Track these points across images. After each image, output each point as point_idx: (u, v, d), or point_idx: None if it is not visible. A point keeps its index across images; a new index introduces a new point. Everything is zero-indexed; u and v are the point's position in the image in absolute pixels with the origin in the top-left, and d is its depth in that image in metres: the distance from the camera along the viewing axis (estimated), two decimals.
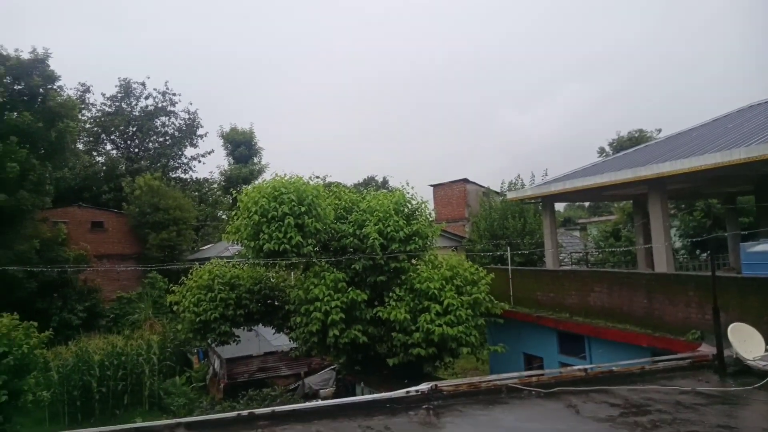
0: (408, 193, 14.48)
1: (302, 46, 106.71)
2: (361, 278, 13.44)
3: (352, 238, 13.48)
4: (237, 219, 13.62)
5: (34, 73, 26.83)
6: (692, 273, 11.80)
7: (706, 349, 7.86)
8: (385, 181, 57.50)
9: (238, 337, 14.97)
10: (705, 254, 20.44)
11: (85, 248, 28.26)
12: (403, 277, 13.27)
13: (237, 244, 14.92)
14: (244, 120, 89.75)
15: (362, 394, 11.58)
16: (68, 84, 46.46)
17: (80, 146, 38.25)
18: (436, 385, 4.58)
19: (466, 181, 32.36)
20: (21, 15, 71.85)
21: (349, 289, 12.77)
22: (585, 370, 5.44)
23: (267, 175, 41.59)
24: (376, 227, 13.07)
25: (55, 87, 27.95)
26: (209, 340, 14.81)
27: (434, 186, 33.90)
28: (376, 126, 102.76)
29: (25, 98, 26.72)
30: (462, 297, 12.40)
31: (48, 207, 28.01)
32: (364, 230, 13.22)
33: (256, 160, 48.22)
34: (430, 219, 14.97)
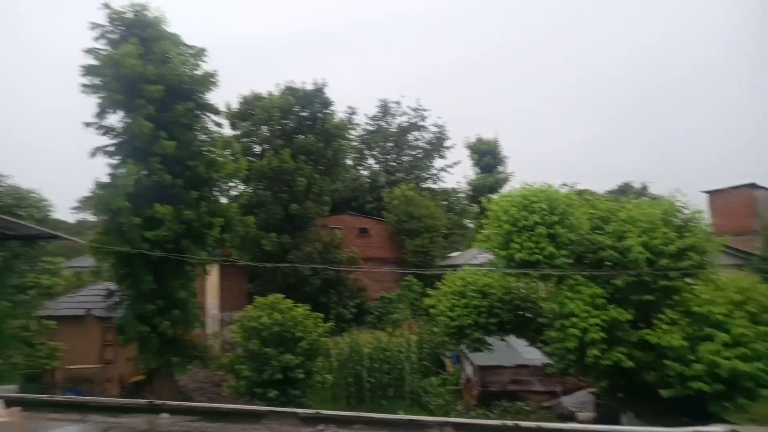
0: (678, 201, 12.77)
1: (537, 49, 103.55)
2: (623, 295, 12.24)
3: (610, 251, 12.39)
4: (487, 227, 13.79)
5: (315, 101, 32.04)
6: None
7: None
8: (644, 188, 51.76)
9: (491, 345, 15.13)
10: None
11: (354, 251, 32.29)
12: (676, 298, 11.66)
13: (487, 252, 15.14)
14: (488, 129, 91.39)
15: (630, 425, 10.54)
16: (340, 108, 54.13)
17: (349, 162, 44.09)
18: (734, 431, 3.86)
19: (752, 186, 26.97)
20: (301, 51, 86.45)
21: (610, 306, 11.78)
22: None
23: (513, 184, 41.50)
24: (640, 239, 11.81)
25: (329, 111, 32.85)
26: (463, 346, 15.30)
27: (710, 193, 29.06)
28: (626, 127, 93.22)
29: (309, 122, 32.04)
30: (759, 327, 10.31)
31: (326, 215, 32.87)
32: (624, 242, 12.06)
33: (501, 168, 48.54)
34: (708, 231, 12.90)
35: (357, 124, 48.22)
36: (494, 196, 18.09)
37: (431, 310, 15.74)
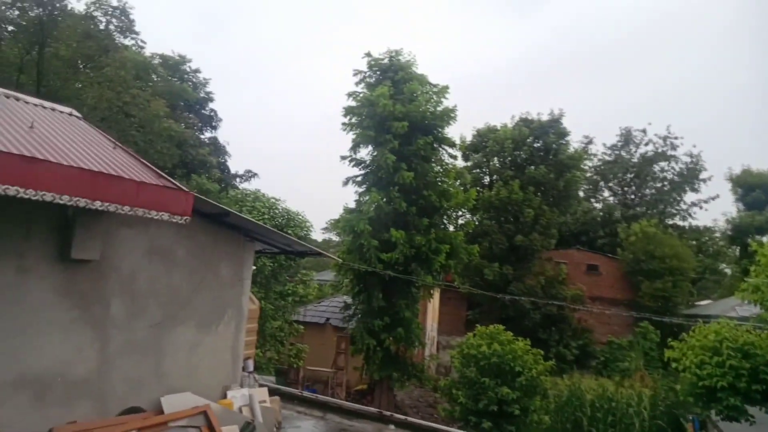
0: None
1: None
2: None
3: None
4: (754, 275, 11.58)
5: (550, 132, 31.37)
6: None
7: None
8: None
9: (753, 417, 12.48)
10: None
11: (581, 288, 30.24)
12: None
13: (753, 304, 12.67)
14: (758, 161, 76.76)
15: None
16: (575, 138, 51.77)
17: (581, 193, 41.66)
18: None
19: None
20: (542, 80, 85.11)
21: None
22: None
23: None
24: None
25: (564, 142, 31.73)
26: (713, 411, 12.96)
27: None
28: None
29: (541, 153, 31.45)
30: None
31: (552, 248, 31.58)
32: None
33: None
34: None
35: (593, 155, 45.40)
36: (765, 239, 14.98)
37: (674, 364, 13.74)
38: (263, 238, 8.78)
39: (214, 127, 39.41)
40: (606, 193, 45.98)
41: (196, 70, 38.45)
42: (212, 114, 39.21)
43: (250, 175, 39.41)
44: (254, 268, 11.99)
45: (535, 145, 31.88)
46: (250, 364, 8.61)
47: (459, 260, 18.51)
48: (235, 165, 37.96)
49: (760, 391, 11.89)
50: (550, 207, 30.29)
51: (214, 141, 38.72)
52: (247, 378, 8.12)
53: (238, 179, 38.51)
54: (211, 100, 39.09)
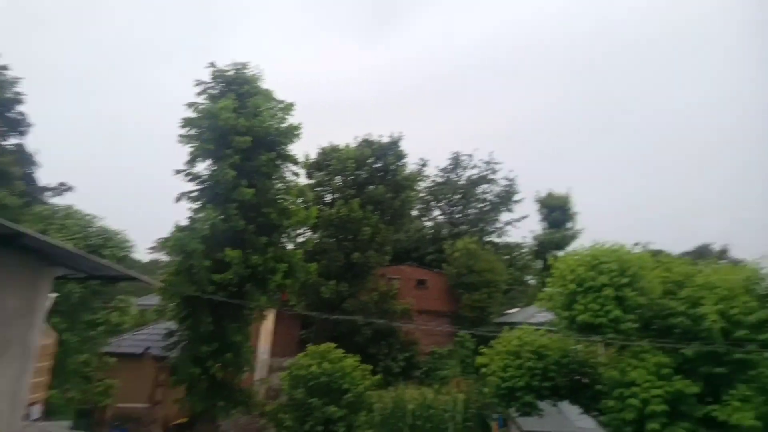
0: (764, 267, 11.93)
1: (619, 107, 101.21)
2: (691, 366, 11.43)
3: (682, 318, 11.66)
4: (550, 286, 13.42)
5: (389, 153, 33.08)
6: None
7: None
8: (724, 251, 48.42)
9: (542, 410, 14.39)
10: None
11: (410, 303, 31.99)
12: (752, 373, 10.74)
13: (548, 312, 14.64)
14: (562, 185, 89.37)
15: None
16: (412, 159, 55.24)
17: (415, 212, 44.50)
18: None
19: None
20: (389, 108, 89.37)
21: (676, 377, 11.01)
22: None
23: (582, 241, 40.11)
24: (717, 307, 11.09)
25: (402, 163, 33.70)
26: (512, 409, 14.66)
27: None
28: (710, 185, 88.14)
29: (381, 173, 32.97)
30: None
31: (385, 264, 33.06)
32: (699, 309, 11.35)
33: (570, 225, 47.17)
34: None
35: (427, 176, 48.89)
36: (561, 253, 17.42)
37: (483, 369, 15.28)
38: (65, 262, 7.91)
39: (22, 133, 34.35)
40: (436, 212, 49.81)
41: (3, 67, 33.28)
42: (21, 117, 34.15)
43: (63, 188, 34.95)
44: (57, 295, 10.69)
45: (376, 165, 33.32)
46: (36, 410, 7.57)
47: (296, 279, 18.26)
48: (48, 177, 33.25)
49: (548, 388, 13.75)
50: (387, 225, 31.78)
51: (20, 148, 33.70)
52: (30, 427, 7.12)
53: (48, 193, 33.94)
54: (20, 102, 34.07)
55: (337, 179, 33.07)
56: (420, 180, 44.26)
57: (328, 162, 33.48)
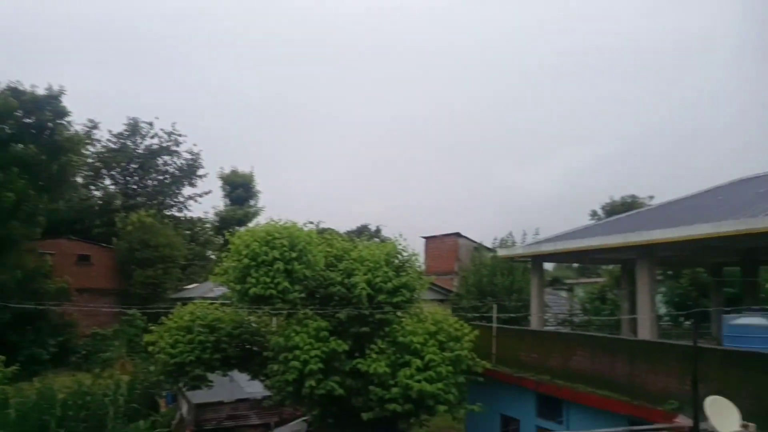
0: (400, 244, 14.53)
1: (311, 92, 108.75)
2: (344, 328, 13.22)
3: (339, 287, 13.34)
4: (226, 261, 13.51)
5: (46, 108, 27.65)
6: (675, 342, 11.70)
7: (683, 421, 7.70)
8: (378, 230, 57.59)
9: (212, 381, 14.54)
10: (688, 323, 20.35)
11: (67, 281, 27.90)
12: (387, 329, 13.06)
13: (223, 286, 14.75)
14: (245, 162, 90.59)
15: None
16: (78, 119, 47.40)
17: (79, 179, 38.60)
18: None
19: (458, 235, 32.49)
20: (39, 48, 73.68)
21: (331, 338, 12.56)
22: None
23: (262, 219, 41.78)
24: (365, 277, 12.97)
25: (64, 122, 28.57)
26: (181, 384, 14.39)
27: (426, 238, 33.97)
28: (371, 173, 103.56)
29: (33, 131, 27.31)
30: (444, 353, 12.18)
31: (37, 238, 27.91)
32: (352, 279, 13.10)
33: (252, 203, 48.60)
34: (420, 271, 14.93)
35: (97, 140, 42.90)
36: (241, 229, 17.72)
37: (150, 348, 14.46)
38: None
39: None
40: (108, 181, 44.37)
41: None
42: None
43: None
44: None
45: (26, 120, 27.44)
46: None
47: None
48: None
49: (219, 359, 13.97)
50: (39, 192, 26.68)
51: None
52: None
53: None
54: None
55: None
56: (88, 143, 38.68)
57: None
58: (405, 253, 14.41)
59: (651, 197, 38.83)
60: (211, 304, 15.64)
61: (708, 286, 20.44)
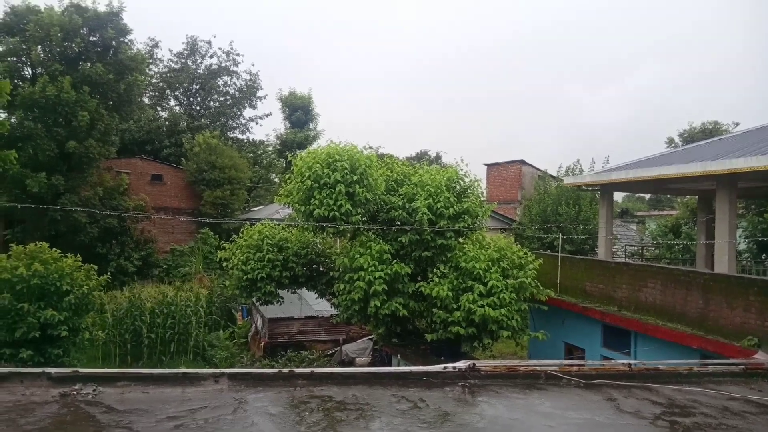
0: (461, 170, 14.31)
1: (369, 14, 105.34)
2: (406, 252, 13.45)
3: (400, 211, 13.44)
4: (290, 183, 13.77)
5: (108, 26, 27.77)
6: (755, 277, 11.16)
7: (762, 357, 7.45)
8: (438, 157, 56.91)
9: (282, 298, 15.34)
10: None
11: (144, 199, 29.59)
12: (449, 255, 13.18)
13: (288, 207, 15.19)
14: (304, 85, 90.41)
15: (398, 366, 11.69)
16: (139, 38, 48.02)
17: (146, 100, 39.76)
18: (474, 364, 4.51)
19: (522, 162, 31.60)
20: None
21: (394, 261, 12.81)
22: (629, 365, 5.24)
23: (322, 142, 41.93)
24: (426, 202, 12.96)
25: (126, 40, 28.92)
26: (254, 299, 15.26)
27: (489, 165, 33.28)
28: (434, 100, 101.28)
29: (99, 50, 27.80)
30: (507, 280, 12.21)
31: (113, 157, 29.42)
32: (413, 204, 13.15)
33: (312, 126, 48.66)
34: (482, 198, 14.74)
35: (159, 60, 43.52)
36: (303, 152, 17.85)
37: (225, 264, 15.27)
38: None
39: None
40: (172, 102, 45.46)
41: None
42: None
43: None
44: None
45: (91, 38, 27.91)
46: None
47: None
48: None
49: (288, 277, 14.65)
50: (110, 112, 27.62)
51: None
52: None
53: None
54: None
55: (39, 49, 26.71)
56: (150, 63, 39.19)
57: (23, 26, 26.57)
58: (467, 179, 14.22)
59: (736, 124, 35.98)
60: (278, 224, 16.19)
61: None
